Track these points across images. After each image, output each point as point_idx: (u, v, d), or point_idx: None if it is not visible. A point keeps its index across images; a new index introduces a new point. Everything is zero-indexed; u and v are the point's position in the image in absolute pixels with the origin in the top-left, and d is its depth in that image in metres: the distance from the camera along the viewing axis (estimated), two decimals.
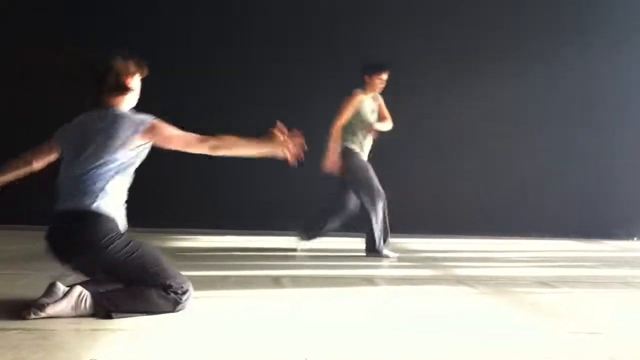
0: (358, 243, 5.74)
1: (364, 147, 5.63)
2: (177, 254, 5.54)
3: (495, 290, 4.05)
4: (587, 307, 3.65)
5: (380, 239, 5.36)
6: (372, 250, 5.39)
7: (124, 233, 3.10)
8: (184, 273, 4.23)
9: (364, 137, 5.61)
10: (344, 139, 5.54)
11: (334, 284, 4.15)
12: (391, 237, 5.53)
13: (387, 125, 5.72)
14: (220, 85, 7.42)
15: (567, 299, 3.89)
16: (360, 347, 2.67)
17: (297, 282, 4.16)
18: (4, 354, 2.39)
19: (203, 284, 3.96)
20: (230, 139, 3.16)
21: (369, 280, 4.29)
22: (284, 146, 3.11)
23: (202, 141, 3.14)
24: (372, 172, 5.52)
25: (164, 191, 7.26)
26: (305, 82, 7.49)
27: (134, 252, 3.04)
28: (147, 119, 3.13)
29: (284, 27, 7.57)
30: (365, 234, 5.46)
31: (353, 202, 5.61)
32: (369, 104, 5.65)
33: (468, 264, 5.54)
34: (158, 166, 7.03)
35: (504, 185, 7.67)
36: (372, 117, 5.64)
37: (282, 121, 3.14)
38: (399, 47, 7.51)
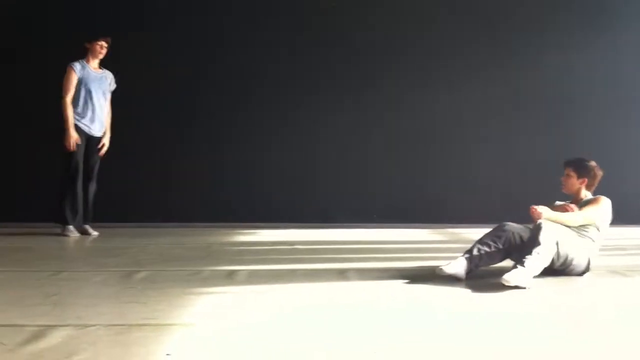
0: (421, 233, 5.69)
1: None
2: (241, 248, 5.62)
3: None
4: None
5: None
6: None
7: None
8: (250, 267, 4.32)
9: None
10: None
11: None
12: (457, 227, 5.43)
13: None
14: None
15: None
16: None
17: (363, 274, 4.15)
18: (85, 349, 2.47)
19: (270, 278, 4.01)
20: None
21: None
22: None
23: None
24: None
25: (227, 187, 7.36)
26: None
27: None
28: None
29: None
30: None
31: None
32: None
33: None
34: (225, 161, 7.36)
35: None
36: None
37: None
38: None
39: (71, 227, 5.98)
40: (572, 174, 4.33)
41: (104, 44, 6.00)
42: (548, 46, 7.58)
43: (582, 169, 4.33)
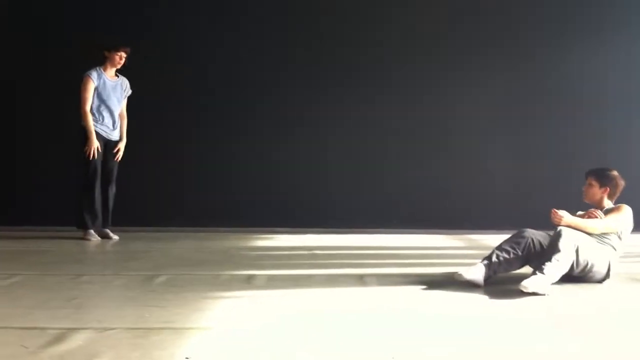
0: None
1: None
2: (259, 252, 5.64)
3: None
4: None
5: None
6: None
7: None
8: (269, 272, 4.32)
9: None
10: None
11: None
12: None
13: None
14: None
15: None
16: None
17: (381, 280, 4.15)
18: (105, 352, 2.50)
19: (289, 282, 4.03)
20: None
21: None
22: None
23: None
24: None
25: (245, 191, 7.39)
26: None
27: None
28: None
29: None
30: None
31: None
32: None
33: None
34: (244, 165, 7.39)
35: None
36: None
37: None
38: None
39: (92, 231, 6.05)
40: (594, 183, 4.30)
41: (123, 54, 6.08)
42: (570, 47, 7.50)
43: (604, 178, 4.29)
